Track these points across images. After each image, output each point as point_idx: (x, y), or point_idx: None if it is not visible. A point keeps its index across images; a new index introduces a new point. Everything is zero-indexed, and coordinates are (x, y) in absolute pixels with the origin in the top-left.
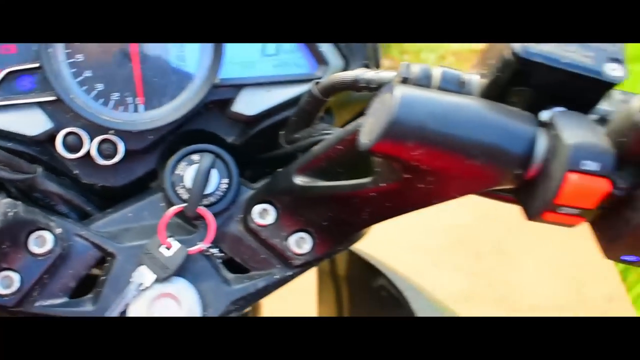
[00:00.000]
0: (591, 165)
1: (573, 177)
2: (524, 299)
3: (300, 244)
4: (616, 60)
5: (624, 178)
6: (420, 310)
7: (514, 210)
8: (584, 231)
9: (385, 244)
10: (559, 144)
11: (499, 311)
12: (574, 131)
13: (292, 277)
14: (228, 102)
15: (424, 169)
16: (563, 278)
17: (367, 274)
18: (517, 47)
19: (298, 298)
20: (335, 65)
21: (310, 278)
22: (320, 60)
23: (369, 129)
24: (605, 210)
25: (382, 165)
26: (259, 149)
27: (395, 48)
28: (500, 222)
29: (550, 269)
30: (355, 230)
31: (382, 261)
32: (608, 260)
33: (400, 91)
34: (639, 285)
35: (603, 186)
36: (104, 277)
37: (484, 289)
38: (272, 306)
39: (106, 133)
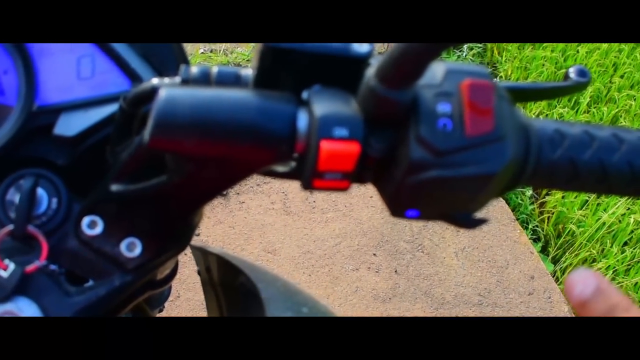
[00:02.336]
0: (341, 132)
1: (326, 144)
2: (448, 290)
3: (131, 248)
4: None
5: (382, 140)
6: (271, 298)
7: None
8: (497, 215)
9: (303, 250)
10: (312, 117)
11: (424, 306)
12: (325, 104)
13: (133, 282)
14: (51, 126)
15: (202, 158)
16: (484, 263)
17: (231, 274)
18: None
19: None
20: (148, 79)
21: None
22: (134, 76)
23: (147, 129)
24: (377, 172)
25: (170, 161)
26: (91, 166)
27: None
28: None
29: (469, 257)
30: (175, 226)
31: (245, 259)
32: (524, 240)
33: (165, 90)
34: None
35: (353, 148)
36: None
37: (407, 285)
38: None
39: None
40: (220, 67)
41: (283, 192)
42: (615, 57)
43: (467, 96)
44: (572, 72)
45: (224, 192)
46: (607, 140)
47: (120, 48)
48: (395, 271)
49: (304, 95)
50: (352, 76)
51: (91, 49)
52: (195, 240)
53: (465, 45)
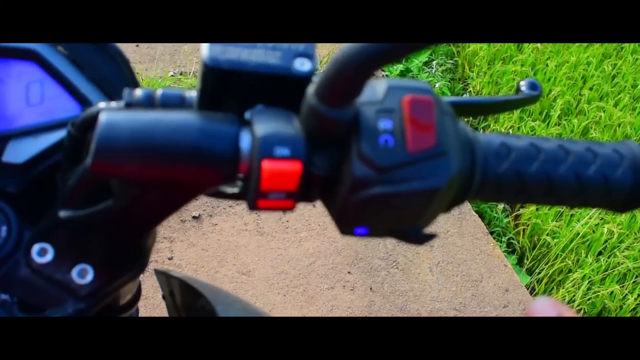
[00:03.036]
0: (282, 151)
1: (267, 164)
2: (423, 306)
3: (83, 274)
4: (304, 55)
5: (325, 158)
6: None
7: None
8: (471, 230)
9: (277, 271)
10: (254, 137)
11: None
12: (266, 123)
13: (87, 309)
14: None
15: (146, 181)
16: (458, 278)
17: (192, 298)
18: (206, 58)
19: None
20: (97, 103)
21: None
22: (84, 101)
23: (89, 154)
24: (324, 190)
25: (115, 185)
26: (41, 193)
27: None
28: None
29: (444, 272)
30: (126, 251)
31: (207, 283)
32: (497, 253)
33: (104, 114)
34: None
35: (295, 167)
36: None
37: (382, 302)
38: None
39: None
40: (164, 89)
41: (256, 213)
42: (583, 69)
43: (408, 112)
44: (523, 85)
45: (174, 214)
46: (553, 152)
47: (70, 73)
48: (371, 288)
49: (247, 115)
50: (295, 95)
51: (40, 75)
52: (168, 264)
53: (435, 62)
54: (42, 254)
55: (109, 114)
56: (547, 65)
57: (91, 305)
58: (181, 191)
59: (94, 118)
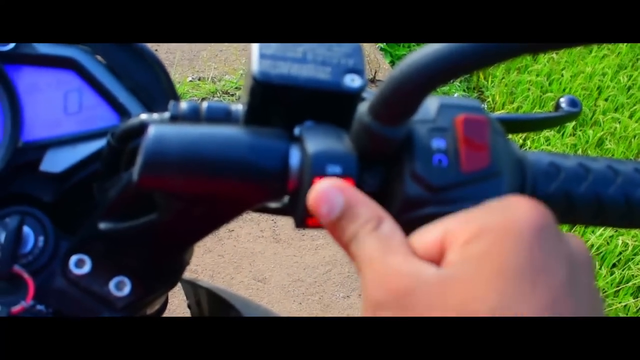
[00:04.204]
0: (334, 169)
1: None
2: None
3: (120, 287)
4: (355, 71)
5: (375, 176)
6: None
7: None
8: None
9: (293, 279)
10: (305, 155)
11: None
12: (317, 140)
13: None
14: (37, 162)
15: (193, 196)
16: None
17: (222, 308)
18: (256, 73)
19: None
20: (136, 114)
21: None
22: (122, 111)
23: (135, 167)
24: None
25: (160, 199)
26: (79, 202)
27: None
28: None
29: None
30: (165, 264)
31: (236, 294)
32: None
33: (153, 128)
34: None
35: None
36: None
37: None
38: None
39: None
40: (210, 103)
41: (272, 220)
42: (599, 80)
43: (462, 131)
44: (563, 102)
45: (215, 231)
46: (602, 173)
47: (108, 82)
48: None
49: (296, 131)
50: (344, 111)
51: (78, 83)
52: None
53: None
54: (80, 265)
55: (158, 127)
56: (562, 75)
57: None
58: (227, 207)
59: (135, 129)
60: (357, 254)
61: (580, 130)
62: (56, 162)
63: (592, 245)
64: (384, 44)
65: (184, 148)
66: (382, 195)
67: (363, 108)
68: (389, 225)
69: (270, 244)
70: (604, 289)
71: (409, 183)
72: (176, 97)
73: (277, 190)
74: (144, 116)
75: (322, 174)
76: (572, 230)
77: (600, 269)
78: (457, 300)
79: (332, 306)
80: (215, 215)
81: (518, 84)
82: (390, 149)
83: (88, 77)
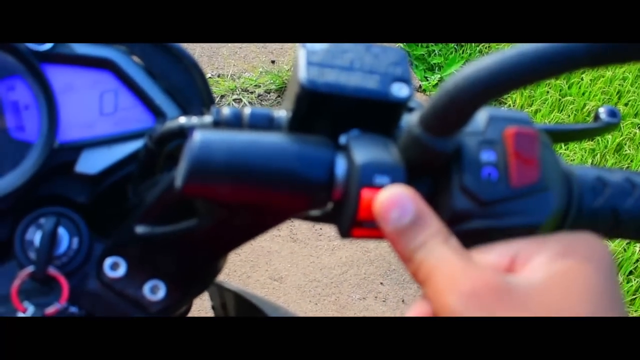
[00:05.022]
0: (382, 179)
1: (367, 192)
2: None
3: (154, 291)
4: (402, 80)
5: (422, 187)
6: None
7: None
8: None
9: (310, 279)
10: (352, 165)
11: None
12: (364, 151)
13: None
14: (72, 163)
15: (236, 204)
16: None
17: (250, 312)
18: (304, 80)
19: None
20: (172, 117)
21: None
22: (158, 113)
23: (179, 172)
24: None
25: (202, 206)
26: (112, 204)
27: None
28: None
29: None
30: (202, 270)
31: (264, 298)
32: None
33: (199, 134)
34: None
35: None
36: None
37: None
38: None
39: None
40: (253, 109)
41: (289, 219)
42: (619, 84)
43: (512, 145)
44: (602, 113)
45: (254, 238)
46: None
47: (145, 83)
48: (403, 301)
49: (342, 140)
50: (388, 119)
51: (114, 84)
52: None
53: None
54: (115, 268)
55: (204, 133)
56: (582, 79)
57: None
58: (269, 215)
59: (174, 132)
60: (425, 260)
61: (599, 135)
62: (92, 163)
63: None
64: (403, 43)
65: (230, 155)
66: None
67: (413, 119)
68: (457, 241)
69: (287, 243)
70: None
71: (458, 196)
72: (212, 100)
73: (321, 199)
74: (183, 119)
75: (370, 184)
76: None
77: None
78: (554, 306)
79: (347, 307)
80: (256, 223)
81: (537, 87)
82: (439, 161)
83: (124, 77)
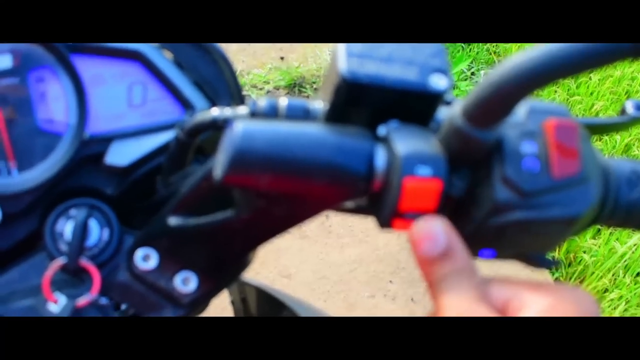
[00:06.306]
0: (424, 170)
1: (409, 182)
2: None
3: (186, 282)
4: (440, 71)
5: (462, 178)
6: None
7: None
8: None
9: (318, 276)
10: (394, 156)
11: None
12: (406, 141)
13: (184, 317)
14: (101, 155)
15: (275, 195)
16: None
17: (273, 307)
18: (344, 71)
19: None
20: (201, 109)
21: None
22: (187, 105)
23: (219, 163)
24: (453, 211)
25: (239, 196)
26: (140, 196)
27: None
28: None
29: None
30: (234, 261)
31: (286, 293)
32: (540, 270)
33: (241, 124)
34: None
35: (437, 187)
36: None
37: (423, 314)
38: None
39: None
40: (289, 100)
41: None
42: (628, 84)
43: (553, 136)
44: (629, 107)
45: (289, 230)
46: None
47: (174, 75)
48: (412, 299)
49: (381, 131)
50: (426, 111)
51: (143, 76)
52: None
53: (482, 71)
54: (146, 259)
55: (245, 124)
56: (590, 78)
57: (188, 314)
58: (308, 206)
59: (206, 124)
60: (444, 292)
61: (608, 135)
62: (121, 155)
63: (617, 253)
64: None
65: (271, 146)
66: (468, 199)
67: (455, 109)
68: (481, 277)
69: (296, 240)
70: (627, 299)
71: (499, 187)
72: (240, 92)
73: (361, 191)
74: (216, 111)
75: (412, 174)
76: (597, 233)
77: (624, 277)
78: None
79: (356, 305)
80: (294, 214)
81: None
82: (480, 152)
83: (153, 69)
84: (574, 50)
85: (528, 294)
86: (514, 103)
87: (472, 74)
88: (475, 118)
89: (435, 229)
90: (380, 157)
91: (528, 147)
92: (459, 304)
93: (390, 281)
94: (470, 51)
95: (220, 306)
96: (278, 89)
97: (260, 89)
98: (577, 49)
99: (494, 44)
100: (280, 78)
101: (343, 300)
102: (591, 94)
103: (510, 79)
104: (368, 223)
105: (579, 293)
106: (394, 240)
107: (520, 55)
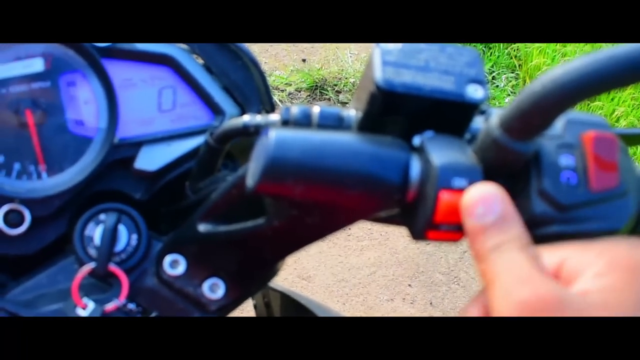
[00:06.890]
0: (460, 182)
1: (445, 195)
2: None
3: (214, 289)
4: (477, 81)
5: None
6: None
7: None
8: None
9: (338, 278)
10: (429, 167)
11: None
12: (442, 152)
13: None
14: (130, 160)
15: (308, 204)
16: None
17: (297, 312)
18: (380, 80)
19: None
20: (231, 114)
21: None
22: (217, 110)
23: (252, 171)
24: None
25: (271, 205)
26: (168, 202)
27: None
28: (454, 248)
29: None
30: (263, 269)
31: (312, 299)
32: None
33: (275, 133)
34: None
35: None
36: None
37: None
38: None
39: (11, 203)
40: (322, 108)
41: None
42: None
43: (591, 149)
44: None
45: (321, 239)
46: None
47: (204, 80)
48: (431, 303)
49: (416, 141)
50: (461, 121)
51: (173, 80)
52: None
53: (504, 75)
54: (174, 265)
55: (279, 132)
56: None
57: None
58: (340, 215)
59: (237, 131)
60: (497, 263)
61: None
62: (151, 160)
63: None
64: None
65: (305, 155)
66: None
67: (493, 120)
68: (534, 248)
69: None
70: None
71: (536, 200)
72: (270, 97)
73: (395, 201)
74: (247, 117)
75: (448, 187)
76: None
77: None
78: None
79: (375, 308)
80: (326, 224)
81: None
82: (517, 164)
83: (183, 74)
84: (618, 60)
85: (581, 255)
86: (554, 116)
87: (493, 77)
88: (513, 130)
89: (491, 195)
90: (415, 168)
91: (566, 160)
92: (517, 272)
93: (409, 285)
94: (491, 55)
95: (243, 308)
96: (300, 91)
97: (282, 90)
98: (621, 59)
99: (515, 47)
100: (302, 80)
101: (362, 304)
102: (612, 99)
103: (551, 91)
104: (387, 227)
105: (632, 244)
106: (413, 244)
107: (562, 67)
